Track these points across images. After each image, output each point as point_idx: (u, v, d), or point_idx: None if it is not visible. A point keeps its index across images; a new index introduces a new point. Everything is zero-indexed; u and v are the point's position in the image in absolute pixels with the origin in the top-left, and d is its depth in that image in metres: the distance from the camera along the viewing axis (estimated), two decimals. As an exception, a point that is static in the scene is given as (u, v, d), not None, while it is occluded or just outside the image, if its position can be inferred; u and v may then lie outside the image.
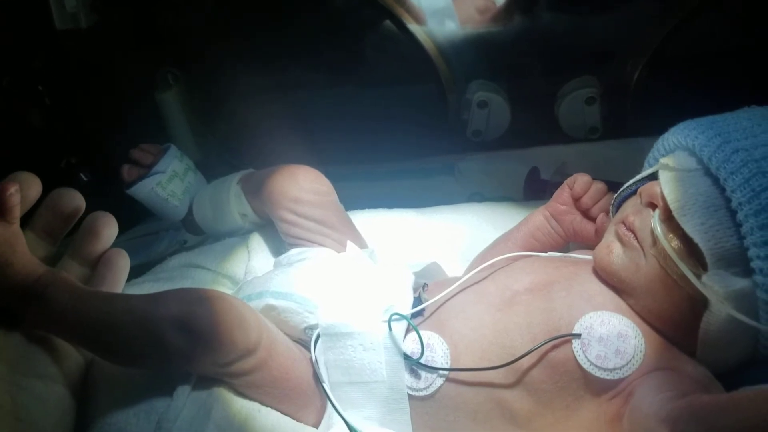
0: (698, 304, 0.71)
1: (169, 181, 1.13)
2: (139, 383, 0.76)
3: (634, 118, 1.41)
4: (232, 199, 1.09)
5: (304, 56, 1.43)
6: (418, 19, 1.38)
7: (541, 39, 1.42)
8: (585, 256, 0.88)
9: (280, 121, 1.41)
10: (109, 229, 0.79)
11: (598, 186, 0.93)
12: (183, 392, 0.74)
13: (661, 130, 0.86)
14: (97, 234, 0.78)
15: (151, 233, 1.31)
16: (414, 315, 0.82)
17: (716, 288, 0.69)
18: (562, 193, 0.95)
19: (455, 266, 1.02)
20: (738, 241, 0.69)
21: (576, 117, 1.42)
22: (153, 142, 1.21)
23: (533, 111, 1.46)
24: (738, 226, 0.69)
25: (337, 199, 1.02)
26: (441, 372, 0.77)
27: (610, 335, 0.74)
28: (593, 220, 0.93)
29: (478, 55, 1.43)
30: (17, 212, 0.71)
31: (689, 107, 0.84)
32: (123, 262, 0.80)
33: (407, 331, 0.80)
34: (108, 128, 1.38)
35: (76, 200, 0.77)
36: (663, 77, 1.38)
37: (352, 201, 1.07)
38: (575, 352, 0.75)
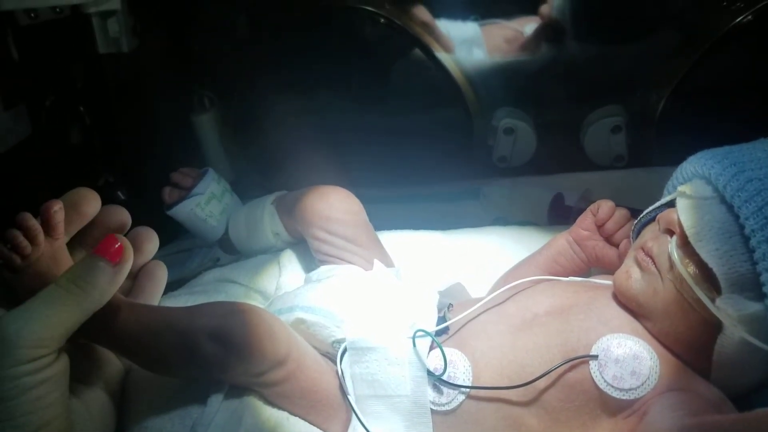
0: (713, 327, 0.73)
1: (207, 203, 1.18)
2: (174, 390, 0.80)
3: (658, 148, 1.43)
4: (266, 218, 1.13)
5: (336, 82, 1.47)
6: (447, 48, 1.41)
7: (568, 68, 1.45)
8: (604, 281, 0.91)
9: (311, 144, 1.44)
10: (150, 243, 0.83)
11: (622, 212, 0.96)
12: (216, 399, 0.77)
13: (684, 160, 0.87)
14: (139, 248, 0.81)
15: (185, 250, 1.35)
16: (437, 333, 0.84)
17: (730, 311, 0.71)
18: (586, 219, 0.98)
19: (479, 287, 1.05)
20: (751, 267, 0.71)
21: (602, 145, 1.44)
22: (188, 162, 1.26)
23: (559, 138, 1.49)
24: (751, 252, 0.71)
25: (367, 219, 1.05)
26: (463, 389, 0.80)
27: (626, 357, 0.76)
28: (615, 246, 0.96)
29: (505, 83, 1.46)
30: (61, 228, 0.75)
31: (713, 137, 0.86)
32: (162, 274, 0.84)
33: (431, 348, 0.82)
34: (145, 148, 1.42)
35: (123, 216, 0.81)
36: (687, 108, 1.39)
37: (380, 222, 1.09)
38: (592, 373, 0.77)
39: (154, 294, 0.84)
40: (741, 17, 1.30)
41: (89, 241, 0.81)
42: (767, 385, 0.75)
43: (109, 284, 0.68)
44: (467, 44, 1.44)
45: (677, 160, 0.90)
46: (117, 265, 0.69)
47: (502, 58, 1.46)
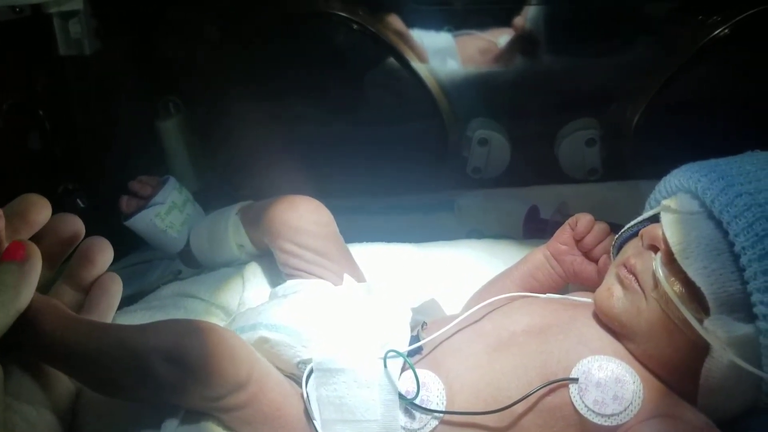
0: (700, 349, 0.70)
1: (167, 213, 1.13)
2: (126, 414, 0.75)
3: (633, 161, 1.42)
4: (230, 229, 1.08)
5: (306, 91, 1.43)
6: (421, 57, 1.39)
7: (542, 80, 1.43)
8: (584, 299, 0.88)
9: (280, 154, 1.41)
10: (104, 254, 0.78)
11: (601, 227, 0.93)
12: (171, 425, 0.72)
13: (660, 173, 0.85)
14: (92, 259, 0.76)
15: (144, 262, 1.30)
16: (410, 353, 0.80)
17: (719, 333, 0.67)
18: (563, 233, 0.94)
19: (453, 302, 1.01)
20: (741, 286, 0.68)
21: (576, 158, 1.42)
22: (151, 170, 1.21)
23: (533, 150, 1.46)
24: (741, 270, 0.68)
25: (337, 231, 1.01)
26: (436, 413, 0.76)
27: (608, 380, 0.73)
28: (594, 261, 0.93)
29: (480, 94, 1.44)
30: (2, 236, 0.70)
31: (689, 151, 0.83)
32: (116, 288, 0.79)
33: (403, 369, 0.78)
34: (107, 155, 1.36)
35: (76, 225, 0.75)
36: (663, 121, 1.38)
37: (351, 234, 1.06)
38: (572, 398, 0.73)
39: (108, 309, 0.79)
40: (718, 30, 1.29)
41: (41, 250, 0.75)
42: (755, 411, 0.72)
43: (19, 281, 0.64)
44: (441, 54, 1.42)
45: (654, 173, 0.88)
46: (23, 261, 0.65)
47: (476, 69, 1.44)
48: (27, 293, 0.65)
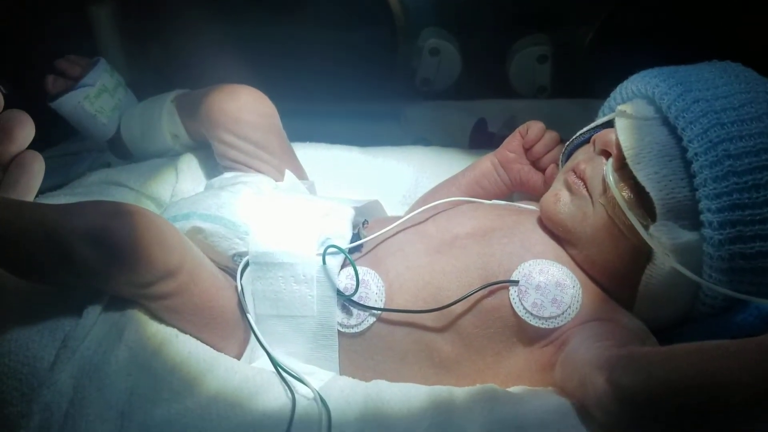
0: (642, 256, 0.71)
1: (97, 96, 1.06)
2: (45, 300, 0.71)
3: (584, 80, 1.41)
4: (164, 116, 1.01)
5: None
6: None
7: (497, -9, 1.40)
8: (530, 206, 0.87)
9: (221, 50, 1.34)
10: (24, 129, 0.71)
11: (551, 135, 0.91)
12: (93, 311, 0.70)
13: (612, 91, 0.84)
14: (10, 134, 0.70)
15: (71, 153, 1.22)
16: (351, 251, 0.78)
17: (663, 239, 0.68)
18: (513, 141, 0.93)
19: (396, 208, 0.99)
20: (690, 193, 0.68)
21: (526, 74, 1.40)
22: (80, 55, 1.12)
23: (484, 64, 1.44)
24: (692, 177, 0.68)
25: (280, 125, 0.97)
26: (374, 311, 0.75)
27: (548, 284, 0.73)
28: (542, 170, 0.92)
29: (434, 2, 1.41)
30: None
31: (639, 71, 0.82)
32: (37, 167, 0.73)
33: (342, 266, 0.76)
34: (32, 38, 1.27)
35: None
36: (616, 41, 1.37)
37: (293, 136, 1.01)
38: (511, 299, 0.73)
39: (28, 190, 0.73)
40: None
41: None
42: (687, 321, 0.73)
43: None
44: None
45: (604, 92, 0.86)
46: None
47: (432, -27, 1.39)
48: None
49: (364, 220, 0.82)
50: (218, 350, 0.74)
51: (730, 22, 1.31)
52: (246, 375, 0.69)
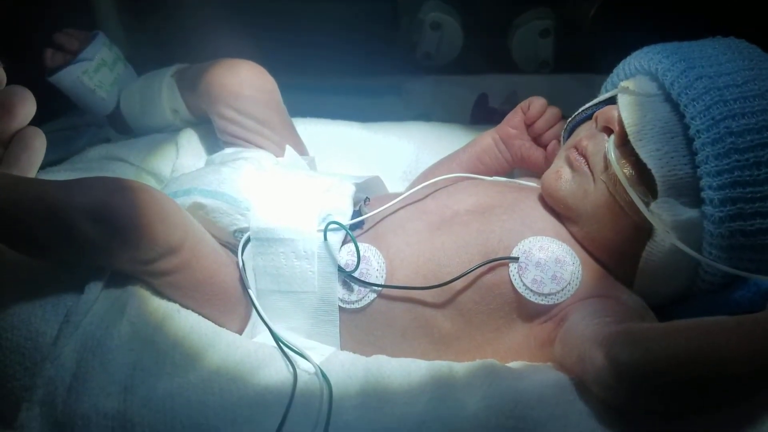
0: (643, 233, 0.71)
1: (96, 71, 1.05)
2: (46, 276, 0.72)
3: (588, 55, 1.39)
4: (164, 91, 1.01)
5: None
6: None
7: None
8: (531, 183, 0.87)
9: (221, 24, 1.33)
10: (25, 105, 0.72)
11: (553, 111, 0.91)
12: (95, 287, 0.70)
13: (614, 67, 0.84)
14: (11, 110, 0.71)
15: (70, 128, 1.21)
16: (352, 227, 0.78)
17: (664, 216, 0.68)
18: (515, 116, 0.93)
19: (397, 183, 0.99)
20: (691, 170, 0.68)
21: (529, 49, 1.39)
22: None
23: (486, 38, 1.42)
24: (693, 154, 0.68)
25: (281, 100, 0.96)
26: (374, 287, 0.75)
27: (548, 260, 0.73)
28: (543, 147, 0.91)
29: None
30: None
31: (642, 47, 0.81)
32: (39, 143, 0.73)
33: (344, 242, 0.77)
34: (28, 11, 1.24)
35: None
36: (620, 16, 1.36)
37: (293, 112, 1.01)
38: (511, 276, 0.73)
39: (29, 166, 0.74)
40: None
41: None
42: (685, 298, 0.74)
43: None
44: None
45: (608, 68, 0.85)
46: None
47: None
48: None
49: (366, 197, 0.82)
50: (220, 326, 0.74)
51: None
52: (248, 350, 0.70)
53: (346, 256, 0.76)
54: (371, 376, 0.68)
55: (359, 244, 0.75)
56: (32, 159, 0.73)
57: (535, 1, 1.39)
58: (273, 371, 0.68)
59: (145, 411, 0.62)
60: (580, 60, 1.40)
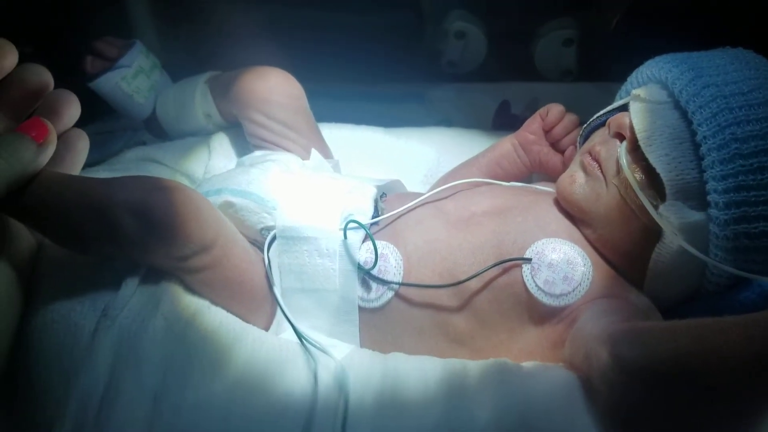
0: (652, 235, 0.73)
1: (134, 77, 1.09)
2: (88, 271, 0.74)
3: (609, 64, 1.40)
4: (197, 97, 1.05)
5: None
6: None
7: (524, -25, 1.40)
8: (547, 188, 0.89)
9: (252, 32, 1.37)
10: (70, 108, 0.74)
11: (571, 118, 0.94)
12: (132, 282, 0.73)
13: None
14: (58, 112, 0.72)
15: (107, 132, 1.26)
16: (371, 225, 0.80)
17: (672, 219, 0.70)
18: (533, 123, 0.95)
19: (418, 187, 1.02)
20: (698, 175, 0.70)
21: (552, 57, 1.40)
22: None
23: (509, 47, 1.44)
24: (700, 159, 0.70)
25: (308, 105, 1.00)
26: (392, 285, 0.77)
27: (560, 262, 0.75)
28: (561, 152, 0.94)
29: (461, -16, 1.40)
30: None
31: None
32: (83, 145, 0.76)
33: (364, 241, 0.79)
34: (68, 19, 1.30)
35: (44, 76, 0.71)
36: (642, 26, 1.36)
37: (319, 117, 1.04)
38: (524, 276, 0.75)
39: (73, 167, 0.76)
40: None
41: (6, 101, 0.71)
42: (693, 299, 0.76)
43: (31, 162, 0.65)
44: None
45: (627, 77, 0.87)
46: (41, 146, 0.66)
47: (458, -43, 1.39)
48: (31, 174, 0.66)
49: (382, 192, 0.85)
50: (247, 322, 0.76)
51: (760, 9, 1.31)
52: (273, 345, 0.72)
53: (365, 254, 0.78)
54: (388, 378, 0.69)
55: (378, 242, 0.78)
56: (76, 159, 0.76)
57: (559, 12, 1.41)
58: (296, 370, 0.69)
59: (175, 419, 0.64)
60: (603, 68, 1.42)
